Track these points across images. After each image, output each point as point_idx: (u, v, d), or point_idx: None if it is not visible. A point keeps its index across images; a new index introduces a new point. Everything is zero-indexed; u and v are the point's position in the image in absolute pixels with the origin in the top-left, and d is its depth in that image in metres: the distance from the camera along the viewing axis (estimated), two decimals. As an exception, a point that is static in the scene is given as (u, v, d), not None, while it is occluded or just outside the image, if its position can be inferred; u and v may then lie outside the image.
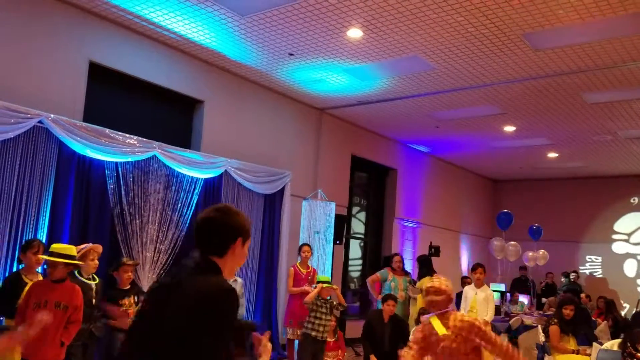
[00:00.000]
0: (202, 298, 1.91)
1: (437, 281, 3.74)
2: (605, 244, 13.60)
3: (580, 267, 13.61)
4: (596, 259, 13.69)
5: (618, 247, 13.55)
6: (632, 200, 13.54)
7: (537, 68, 7.16)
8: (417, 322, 6.94)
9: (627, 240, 13.49)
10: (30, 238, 5.31)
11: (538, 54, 6.72)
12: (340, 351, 6.75)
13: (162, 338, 1.91)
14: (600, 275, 13.52)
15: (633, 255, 13.34)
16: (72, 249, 4.53)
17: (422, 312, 6.97)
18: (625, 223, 13.57)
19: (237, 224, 2.12)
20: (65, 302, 4.30)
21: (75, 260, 4.49)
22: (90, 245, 5.18)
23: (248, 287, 7.78)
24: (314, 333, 6.20)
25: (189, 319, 1.88)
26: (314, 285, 6.71)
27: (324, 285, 6.43)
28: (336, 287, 6.77)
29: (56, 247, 4.50)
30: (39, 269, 4.89)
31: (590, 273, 13.71)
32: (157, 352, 1.91)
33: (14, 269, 5.32)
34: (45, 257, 4.42)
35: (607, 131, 9.74)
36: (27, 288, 4.42)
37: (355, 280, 11.30)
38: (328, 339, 6.42)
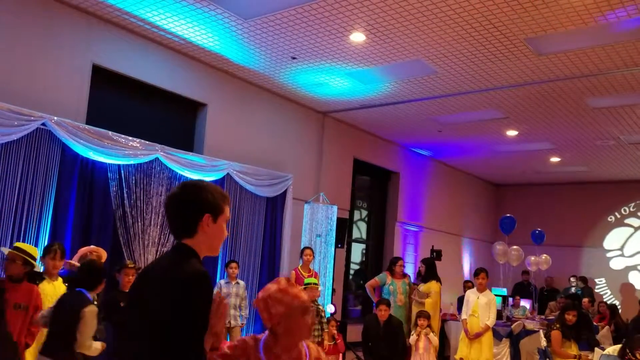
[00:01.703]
0: (173, 285, 1.81)
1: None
2: (603, 265, 13.56)
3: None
4: (600, 280, 13.60)
5: (615, 264, 13.52)
6: (609, 219, 13.66)
7: (540, 73, 7.15)
8: (415, 325, 6.93)
9: (621, 255, 13.47)
10: (50, 242, 5.32)
11: (541, 59, 6.71)
12: (339, 355, 6.74)
13: (141, 325, 1.87)
14: (611, 296, 13.35)
15: (633, 267, 13.28)
16: (34, 250, 4.51)
17: (419, 315, 6.97)
18: (613, 239, 13.62)
19: (202, 199, 1.97)
20: (24, 302, 4.21)
21: (34, 261, 4.44)
22: (90, 247, 5.20)
23: (250, 289, 7.78)
24: None
25: (161, 306, 1.81)
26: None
27: (307, 285, 6.40)
28: (318, 287, 6.65)
29: (19, 244, 4.51)
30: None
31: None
32: (139, 341, 1.87)
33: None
34: (5, 249, 4.39)
35: (610, 136, 9.72)
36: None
37: (353, 282, 11.29)
38: (326, 343, 6.40)
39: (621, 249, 13.51)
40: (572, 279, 12.55)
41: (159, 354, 1.80)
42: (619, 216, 13.66)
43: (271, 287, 2.26)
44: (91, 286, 3.88)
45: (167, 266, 1.93)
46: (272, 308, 2.20)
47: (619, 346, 6.04)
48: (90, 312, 3.69)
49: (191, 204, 1.96)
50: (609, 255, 13.62)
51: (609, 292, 13.46)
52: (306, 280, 6.65)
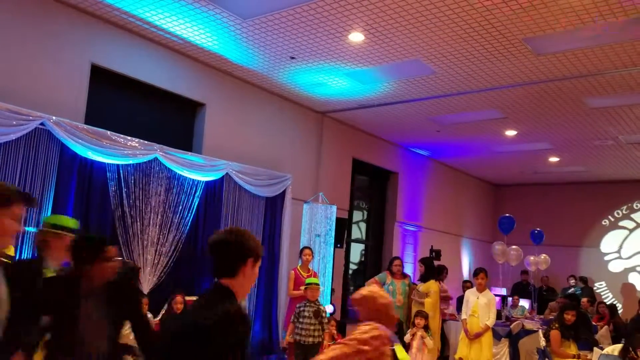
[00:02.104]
0: (208, 325, 2.03)
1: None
2: (602, 267, 13.57)
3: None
4: (600, 284, 13.60)
5: (614, 266, 13.52)
6: (603, 223, 13.69)
7: (539, 72, 7.16)
8: (413, 324, 6.93)
9: (619, 257, 13.47)
10: None
11: (539, 59, 6.72)
12: None
13: None
14: (612, 299, 13.28)
15: (632, 269, 13.27)
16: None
17: (416, 314, 6.97)
18: (610, 242, 13.64)
19: (247, 244, 2.25)
20: None
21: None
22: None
23: (248, 290, 7.78)
24: (297, 337, 6.21)
25: (197, 344, 2.02)
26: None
27: (309, 286, 6.40)
28: (319, 287, 6.67)
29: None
30: None
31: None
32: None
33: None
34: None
35: (609, 136, 9.73)
36: None
37: (352, 282, 11.28)
38: (326, 343, 6.39)
39: (619, 251, 13.52)
40: (571, 280, 12.56)
41: None
42: (612, 219, 13.69)
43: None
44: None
45: (206, 307, 2.17)
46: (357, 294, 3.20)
47: (618, 346, 6.05)
48: None
49: (238, 249, 2.23)
50: (607, 258, 13.61)
51: (610, 295, 13.44)
52: (307, 281, 6.64)
